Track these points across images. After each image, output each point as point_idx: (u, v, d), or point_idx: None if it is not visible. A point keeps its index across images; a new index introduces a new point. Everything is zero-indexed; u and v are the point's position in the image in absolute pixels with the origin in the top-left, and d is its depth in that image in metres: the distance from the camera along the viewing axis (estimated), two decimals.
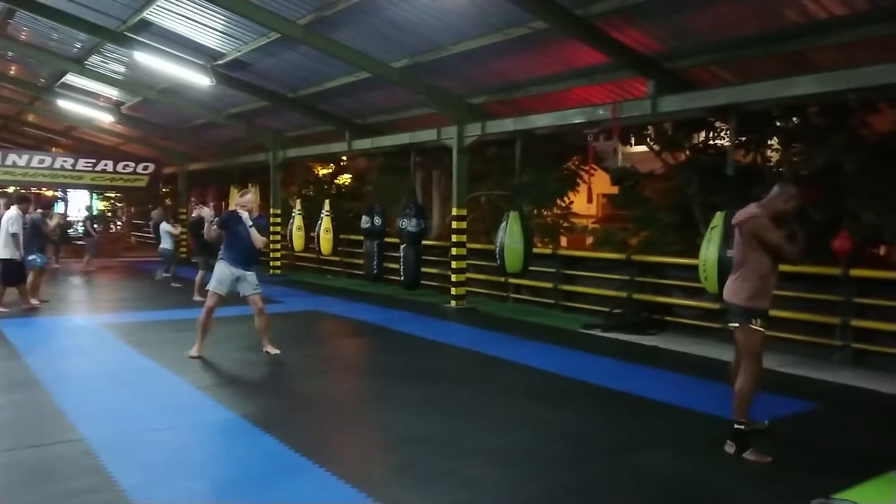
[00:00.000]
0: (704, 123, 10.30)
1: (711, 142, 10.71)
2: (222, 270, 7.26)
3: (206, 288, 7.43)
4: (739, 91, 7.51)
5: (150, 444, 4.80)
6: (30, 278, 10.68)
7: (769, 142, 10.00)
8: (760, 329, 4.70)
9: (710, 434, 5.16)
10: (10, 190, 17.84)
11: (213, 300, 7.22)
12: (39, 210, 11.44)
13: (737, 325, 4.76)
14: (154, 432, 5.07)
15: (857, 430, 5.35)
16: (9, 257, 9.98)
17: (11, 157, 19.19)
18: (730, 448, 4.66)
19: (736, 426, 4.67)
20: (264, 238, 7.41)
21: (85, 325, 9.53)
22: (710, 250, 7.41)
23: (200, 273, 11.71)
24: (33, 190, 23.22)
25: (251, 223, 7.24)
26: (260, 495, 3.92)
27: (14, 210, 10.19)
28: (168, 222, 14.46)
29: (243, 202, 7.46)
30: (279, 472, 4.28)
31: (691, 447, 4.89)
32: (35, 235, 10.76)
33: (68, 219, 12.87)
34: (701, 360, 7.72)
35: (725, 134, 10.19)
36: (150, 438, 4.92)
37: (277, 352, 7.50)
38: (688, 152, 10.75)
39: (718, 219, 7.42)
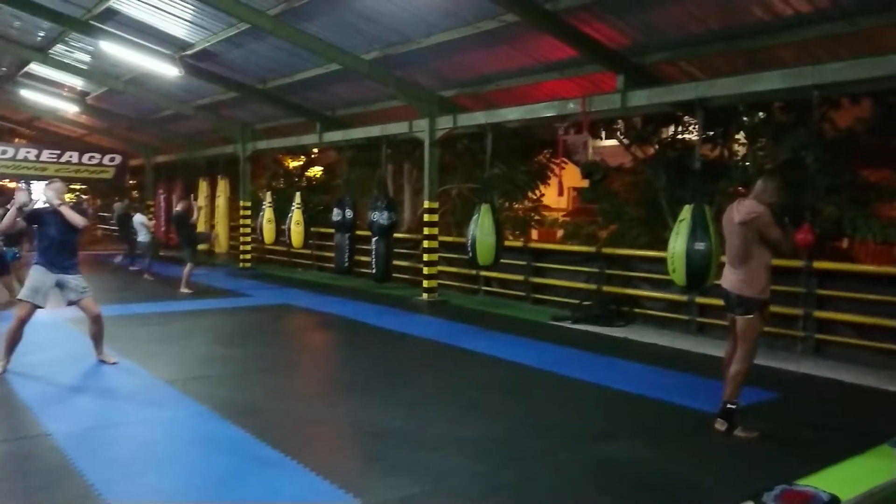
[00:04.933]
0: (673, 118, 10.43)
1: (679, 136, 10.85)
2: (38, 276, 6.30)
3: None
4: (705, 86, 7.61)
5: (116, 438, 4.77)
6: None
7: (735, 136, 10.17)
8: (764, 318, 5.05)
9: (675, 423, 5.28)
10: None
11: (25, 310, 6.27)
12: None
13: (746, 315, 4.98)
14: (121, 427, 5.03)
15: (818, 419, 5.47)
16: None
17: None
18: (720, 426, 4.97)
19: (728, 405, 4.98)
20: (83, 218, 6.51)
21: (48, 320, 9.35)
22: (677, 243, 7.51)
23: (189, 266, 11.98)
24: None
25: (58, 202, 6.29)
26: (230, 488, 3.92)
27: None
28: (142, 213, 14.36)
29: (56, 188, 6.42)
30: (249, 465, 4.27)
31: (656, 436, 4.98)
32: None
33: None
34: (667, 350, 7.85)
35: (693, 128, 10.34)
36: (116, 433, 4.88)
37: (115, 361, 6.72)
38: (656, 146, 10.89)
39: (686, 212, 7.51)
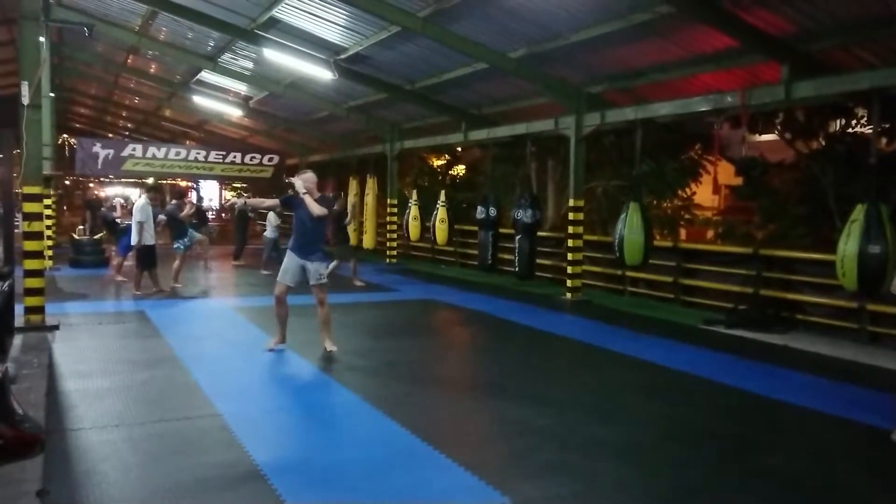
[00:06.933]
0: (841, 110, 9.67)
1: (849, 129, 10.04)
2: (288, 260, 7.01)
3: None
4: (884, 74, 6.98)
5: (279, 422, 5.08)
6: (175, 263, 11.42)
7: None
8: None
9: (844, 438, 4.92)
10: (150, 180, 19.08)
11: (279, 289, 6.99)
12: (174, 200, 12.20)
13: None
14: (283, 411, 5.36)
15: None
16: (139, 244, 10.60)
17: (151, 150, 20.52)
18: None
19: None
20: (322, 208, 6.83)
21: (217, 308, 10.13)
22: (849, 245, 6.96)
23: (353, 261, 12.62)
24: (168, 181, 24.85)
25: (304, 191, 6.79)
26: (383, 478, 4.05)
27: (142, 199, 10.87)
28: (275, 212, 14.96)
29: (305, 178, 6.93)
30: (400, 455, 4.40)
31: (823, 451, 4.65)
32: (174, 224, 11.50)
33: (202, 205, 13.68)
34: (833, 361, 7.27)
35: (864, 121, 9.55)
36: (279, 417, 5.20)
37: (334, 348, 7.06)
38: (822, 140, 10.14)
39: (859, 211, 6.95)
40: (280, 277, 7.02)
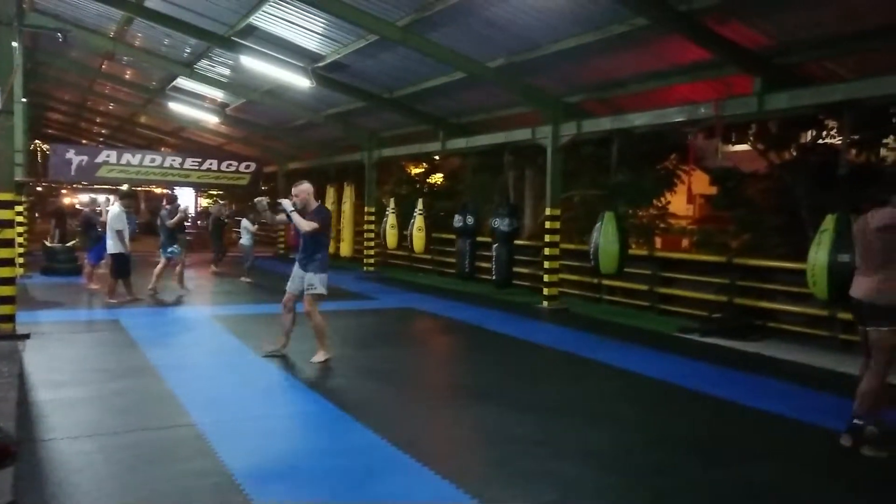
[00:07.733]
0: (813, 121, 9.85)
1: (820, 140, 10.24)
2: (294, 269, 7.15)
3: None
4: (857, 86, 7.12)
5: (255, 431, 5.02)
6: (177, 268, 11.30)
7: (884, 140, 9.48)
8: None
9: (819, 445, 4.96)
10: (124, 187, 18.86)
11: (285, 296, 7.10)
12: (167, 206, 12.11)
13: (878, 326, 4.67)
14: (259, 420, 5.30)
15: None
16: (116, 252, 10.49)
17: (126, 156, 20.35)
18: (846, 441, 4.76)
19: (856, 421, 4.75)
20: (311, 223, 6.83)
21: (194, 316, 10.03)
22: (819, 255, 7.08)
23: None
24: (143, 188, 24.57)
25: (291, 209, 6.89)
26: (360, 489, 4.03)
27: (116, 207, 10.72)
28: (248, 218, 14.77)
29: (300, 189, 7.09)
30: (379, 465, 4.37)
31: (794, 458, 4.70)
32: (165, 230, 11.43)
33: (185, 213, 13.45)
34: (806, 368, 7.39)
35: (835, 132, 9.73)
36: (255, 426, 5.14)
37: (320, 359, 6.99)
38: (794, 151, 10.31)
39: (829, 221, 7.07)
40: (288, 285, 7.14)
